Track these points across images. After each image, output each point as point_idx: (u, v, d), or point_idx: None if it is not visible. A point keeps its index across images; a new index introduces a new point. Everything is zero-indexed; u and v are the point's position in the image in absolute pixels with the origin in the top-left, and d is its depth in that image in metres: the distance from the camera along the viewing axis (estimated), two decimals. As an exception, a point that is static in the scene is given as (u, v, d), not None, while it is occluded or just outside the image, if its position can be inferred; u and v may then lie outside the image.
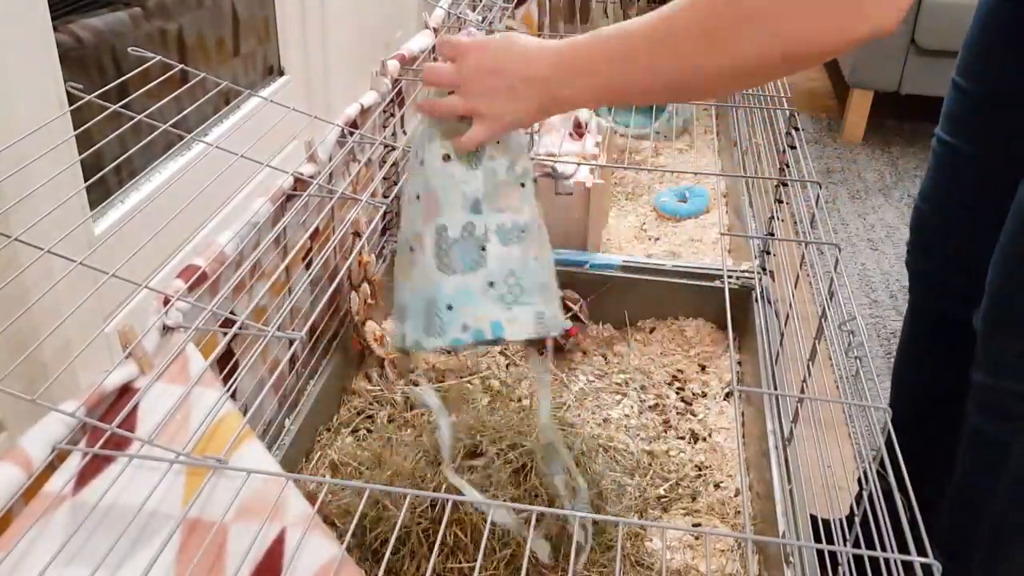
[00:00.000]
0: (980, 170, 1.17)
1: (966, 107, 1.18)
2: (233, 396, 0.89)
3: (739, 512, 1.25)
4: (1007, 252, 1.06)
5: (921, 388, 1.36)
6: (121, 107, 0.93)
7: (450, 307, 0.90)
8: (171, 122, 0.98)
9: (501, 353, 1.55)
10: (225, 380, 1.01)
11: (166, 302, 0.91)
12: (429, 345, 0.92)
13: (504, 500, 1.09)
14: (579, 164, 1.73)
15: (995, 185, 1.11)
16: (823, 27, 0.70)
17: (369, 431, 1.36)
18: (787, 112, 1.53)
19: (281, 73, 1.46)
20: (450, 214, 0.90)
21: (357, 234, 1.43)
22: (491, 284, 0.90)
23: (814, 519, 1.09)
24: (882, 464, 0.86)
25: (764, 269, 1.58)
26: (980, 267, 1.11)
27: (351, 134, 1.38)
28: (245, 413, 0.88)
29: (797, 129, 1.48)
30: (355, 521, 0.79)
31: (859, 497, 0.94)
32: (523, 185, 0.92)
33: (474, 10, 2.08)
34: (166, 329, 0.90)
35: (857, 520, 0.88)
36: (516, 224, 0.91)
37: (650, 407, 1.46)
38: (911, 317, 1.37)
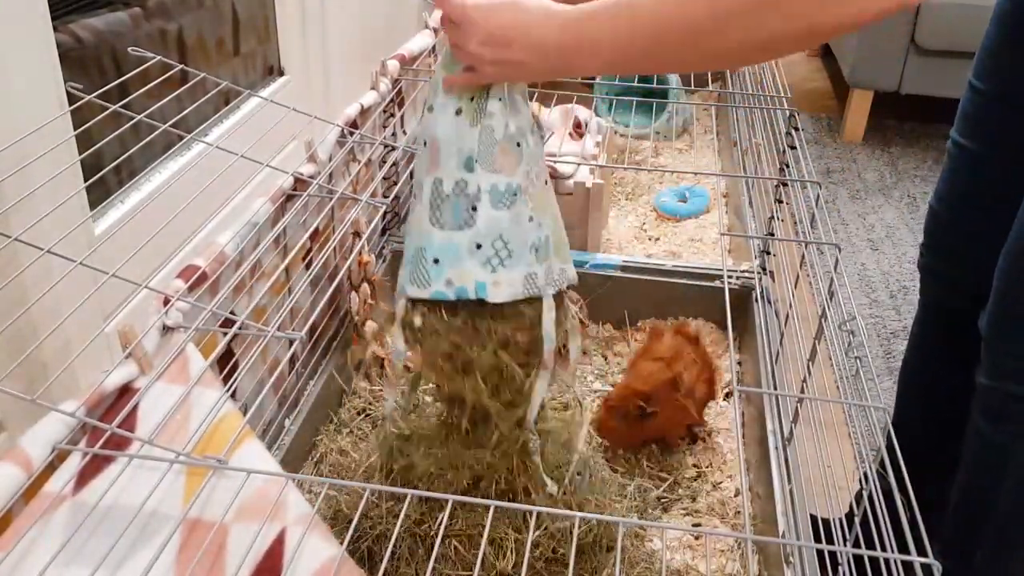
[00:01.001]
0: (996, 172, 1.17)
1: (982, 108, 1.18)
2: (233, 396, 0.89)
3: (739, 512, 1.25)
4: (1013, 253, 1.06)
5: (928, 388, 1.36)
6: (121, 107, 0.93)
7: (437, 261, 0.92)
8: (171, 122, 0.98)
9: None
10: (225, 380, 1.01)
11: (166, 302, 0.91)
12: (413, 293, 0.94)
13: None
14: (579, 164, 1.73)
15: (1011, 187, 1.11)
16: (844, 9, 0.71)
17: (372, 427, 1.36)
18: (787, 112, 1.53)
19: (281, 73, 1.45)
20: (446, 169, 0.92)
21: (357, 234, 1.43)
22: (478, 246, 0.91)
23: (814, 519, 1.09)
24: (882, 464, 0.86)
25: (764, 269, 1.58)
26: (993, 269, 1.11)
27: (351, 134, 1.38)
28: (245, 413, 0.88)
29: (797, 129, 1.48)
30: (355, 521, 0.79)
31: (859, 496, 0.94)
32: (519, 145, 0.93)
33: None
34: (166, 329, 0.90)
35: (857, 520, 0.88)
36: (509, 187, 0.91)
37: (650, 407, 1.46)
38: (922, 317, 1.36)
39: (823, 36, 0.74)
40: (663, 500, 1.27)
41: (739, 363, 1.55)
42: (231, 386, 0.87)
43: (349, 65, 1.60)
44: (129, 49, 1.00)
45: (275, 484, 0.78)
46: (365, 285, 1.45)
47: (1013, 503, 1.12)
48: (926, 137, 2.98)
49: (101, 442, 0.78)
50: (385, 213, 1.65)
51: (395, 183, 1.65)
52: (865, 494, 0.86)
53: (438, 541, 0.70)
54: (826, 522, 1.02)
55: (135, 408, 0.81)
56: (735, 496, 1.28)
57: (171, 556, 0.75)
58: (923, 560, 0.69)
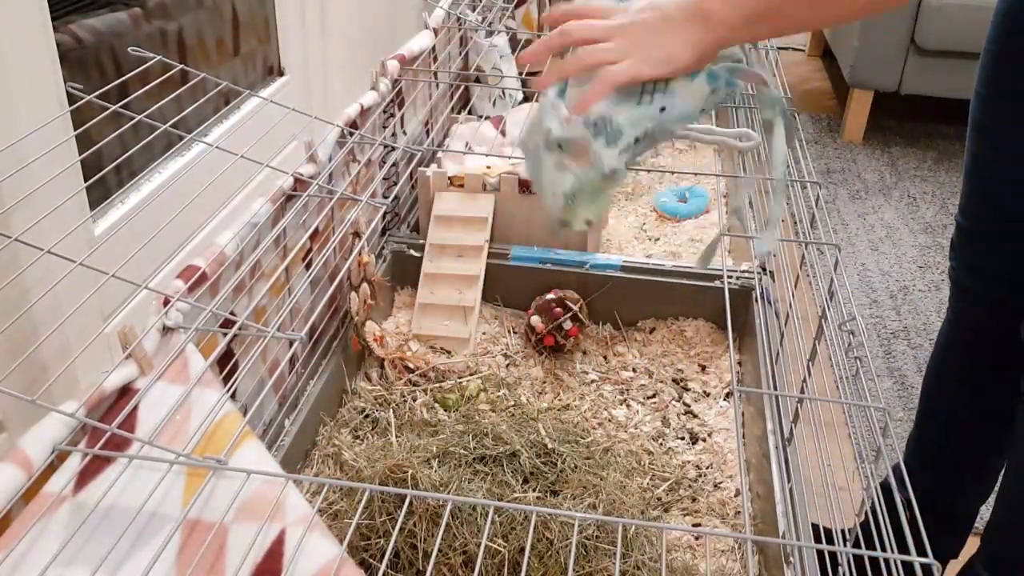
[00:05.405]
0: (1013, 184, 1.13)
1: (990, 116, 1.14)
2: (233, 396, 0.89)
3: (739, 512, 1.25)
4: None
5: (958, 400, 1.29)
6: (121, 107, 0.93)
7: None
8: (171, 122, 0.98)
9: (503, 354, 1.55)
10: (225, 380, 1.01)
11: (166, 302, 0.91)
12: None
13: (509, 500, 1.09)
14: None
15: None
16: None
17: (372, 427, 1.36)
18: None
19: (281, 73, 1.45)
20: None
21: (357, 234, 1.43)
22: None
23: (815, 527, 1.08)
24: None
25: (764, 269, 1.58)
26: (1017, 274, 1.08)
27: (351, 134, 1.38)
28: (245, 413, 0.88)
29: (797, 129, 1.48)
30: (355, 521, 0.79)
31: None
32: None
33: (474, 10, 2.08)
34: (166, 329, 0.90)
35: (858, 521, 0.88)
36: None
37: (650, 407, 1.46)
38: (952, 329, 1.31)
39: None
40: (663, 500, 1.27)
41: (739, 363, 1.55)
42: (231, 386, 0.87)
43: (349, 65, 1.60)
44: (129, 49, 1.00)
45: (275, 484, 0.78)
46: (365, 285, 1.45)
47: None
48: (926, 137, 2.99)
49: (101, 443, 0.78)
50: (385, 213, 1.65)
51: (395, 183, 1.65)
52: (865, 494, 0.86)
53: (437, 542, 0.71)
54: (828, 532, 1.01)
55: (135, 409, 0.81)
56: (735, 496, 1.28)
57: (171, 557, 0.75)
58: (923, 560, 0.69)
